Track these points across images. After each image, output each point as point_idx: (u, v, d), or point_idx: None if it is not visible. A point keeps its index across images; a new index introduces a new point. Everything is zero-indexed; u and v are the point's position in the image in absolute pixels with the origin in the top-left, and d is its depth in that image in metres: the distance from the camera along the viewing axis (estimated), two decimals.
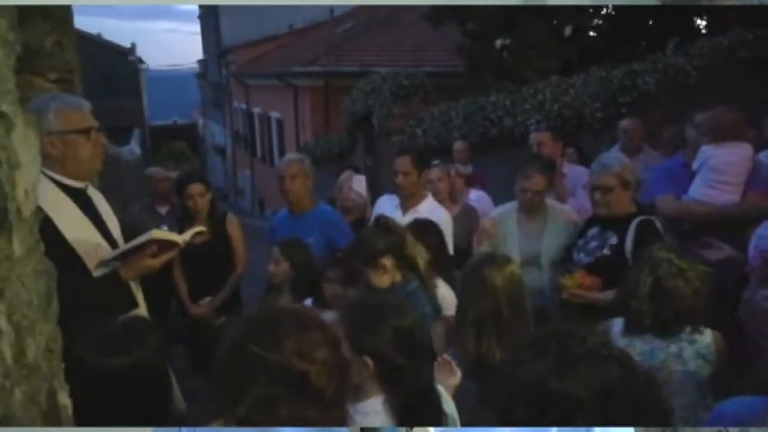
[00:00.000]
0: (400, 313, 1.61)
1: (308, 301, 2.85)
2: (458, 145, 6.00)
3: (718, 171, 3.03)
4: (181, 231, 3.39)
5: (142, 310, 2.06)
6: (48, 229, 1.58)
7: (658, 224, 2.64)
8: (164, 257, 1.99)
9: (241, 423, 1.07)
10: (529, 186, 2.98)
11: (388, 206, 3.38)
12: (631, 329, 2.05)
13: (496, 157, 6.67)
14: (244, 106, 19.64)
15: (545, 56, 8.77)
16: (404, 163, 3.25)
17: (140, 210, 4.93)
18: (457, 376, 1.83)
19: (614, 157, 2.79)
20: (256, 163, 19.18)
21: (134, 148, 12.49)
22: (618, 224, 2.68)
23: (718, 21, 7.02)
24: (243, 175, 20.91)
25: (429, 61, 12.47)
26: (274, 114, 16.72)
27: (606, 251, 2.66)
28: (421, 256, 2.41)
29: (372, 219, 3.23)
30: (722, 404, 1.53)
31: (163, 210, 4.71)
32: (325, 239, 3.32)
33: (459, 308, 2.10)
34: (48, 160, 1.85)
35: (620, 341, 1.99)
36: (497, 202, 3.51)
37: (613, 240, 2.66)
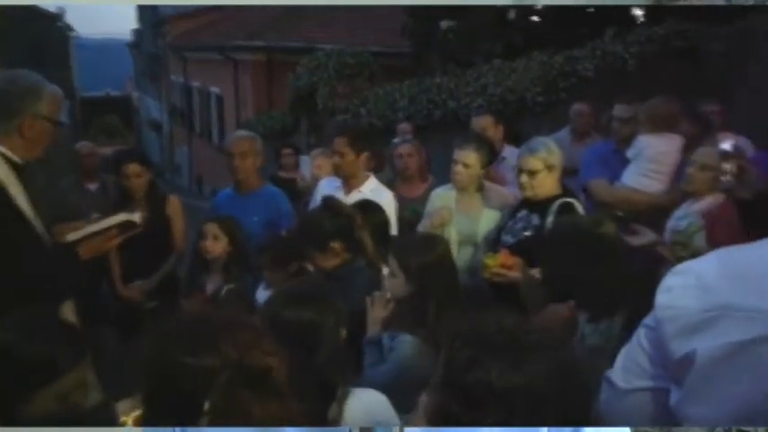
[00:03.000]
0: (307, 306, 1.56)
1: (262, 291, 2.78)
2: (402, 126, 6.00)
3: (654, 161, 3.15)
4: (115, 211, 3.26)
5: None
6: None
7: (579, 206, 2.70)
8: (118, 239, 2.06)
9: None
10: (459, 158, 3.00)
11: (330, 188, 3.33)
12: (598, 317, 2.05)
13: (440, 139, 6.71)
14: (181, 80, 18.90)
15: (489, 40, 8.84)
16: (339, 143, 3.21)
17: (69, 187, 4.67)
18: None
19: (540, 141, 2.83)
20: (195, 139, 18.56)
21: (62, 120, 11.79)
22: (543, 206, 2.75)
23: (655, 11, 7.26)
24: (180, 151, 20.22)
25: (375, 41, 12.35)
26: (214, 89, 16.18)
27: (529, 232, 2.73)
28: (367, 237, 2.40)
29: (318, 200, 3.20)
30: None
31: (92, 187, 4.48)
32: (269, 220, 3.26)
33: (402, 293, 2.09)
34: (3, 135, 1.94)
35: (586, 328, 2.01)
36: (440, 184, 3.52)
37: (536, 222, 2.73)
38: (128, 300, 3.45)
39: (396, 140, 4.08)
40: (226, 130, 14.50)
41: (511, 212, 2.94)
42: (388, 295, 2.13)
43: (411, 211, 3.45)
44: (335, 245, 2.31)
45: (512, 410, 0.94)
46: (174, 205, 3.63)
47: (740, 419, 0.76)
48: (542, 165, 2.73)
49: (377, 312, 2.11)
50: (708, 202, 2.60)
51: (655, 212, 3.12)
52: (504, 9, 8.91)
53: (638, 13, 9.90)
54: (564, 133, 4.74)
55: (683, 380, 0.81)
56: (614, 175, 3.29)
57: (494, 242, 2.94)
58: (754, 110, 5.02)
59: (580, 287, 1.92)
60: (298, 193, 4.37)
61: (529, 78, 6.35)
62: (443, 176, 3.75)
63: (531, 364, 0.95)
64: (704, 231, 2.52)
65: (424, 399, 1.61)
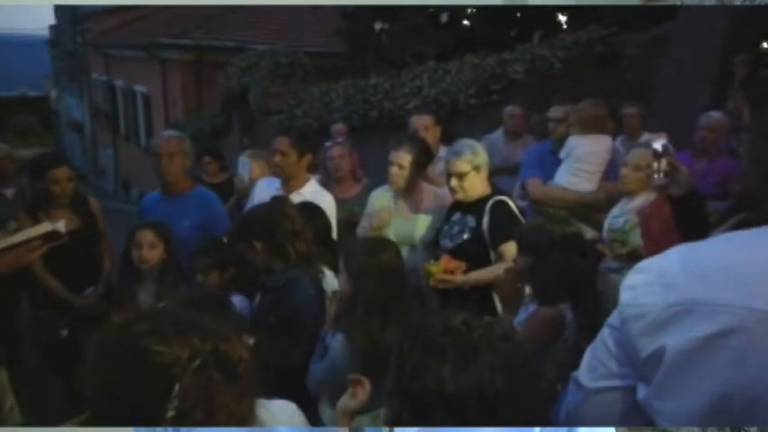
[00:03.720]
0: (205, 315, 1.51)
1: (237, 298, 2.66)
2: (336, 127, 5.97)
3: (582, 161, 3.28)
4: (35, 218, 3.04)
5: None
6: None
7: (512, 204, 2.77)
8: (41, 251, 1.89)
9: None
10: (395, 159, 3.01)
11: (269, 189, 3.25)
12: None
13: (376, 140, 6.71)
14: (104, 78, 18.02)
15: (422, 42, 8.94)
16: (282, 143, 3.14)
17: None
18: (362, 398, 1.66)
19: (465, 143, 2.87)
20: (120, 140, 17.75)
21: None
22: (475, 207, 2.78)
23: (579, 17, 7.57)
24: (104, 153, 19.27)
25: (308, 41, 12.23)
26: (140, 88, 15.53)
27: (466, 235, 2.76)
28: (306, 240, 2.36)
29: (255, 202, 3.12)
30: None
31: (8, 192, 4.18)
32: (201, 224, 3.13)
33: (345, 293, 2.07)
34: None
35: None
36: (376, 185, 3.52)
37: (472, 223, 2.76)
38: (87, 309, 3.21)
39: (327, 144, 4.04)
40: (154, 131, 13.95)
41: (445, 216, 2.96)
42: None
43: (348, 211, 3.42)
44: (258, 245, 2.29)
45: (464, 413, 0.94)
46: (94, 204, 3.46)
47: (707, 412, 0.77)
48: (470, 166, 2.76)
49: (330, 310, 2.12)
50: (641, 200, 2.73)
51: (585, 210, 3.26)
52: (437, 11, 9.04)
53: (563, 18, 10.33)
54: (498, 134, 4.86)
55: (652, 376, 0.82)
56: (549, 175, 3.40)
57: (432, 246, 2.95)
58: (669, 111, 5.33)
59: (568, 287, 1.98)
60: (229, 196, 4.26)
61: (462, 80, 6.46)
62: (381, 177, 3.76)
63: (479, 364, 0.96)
64: (639, 228, 2.64)
65: (343, 401, 1.61)
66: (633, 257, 2.68)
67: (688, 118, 5.29)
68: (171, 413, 0.93)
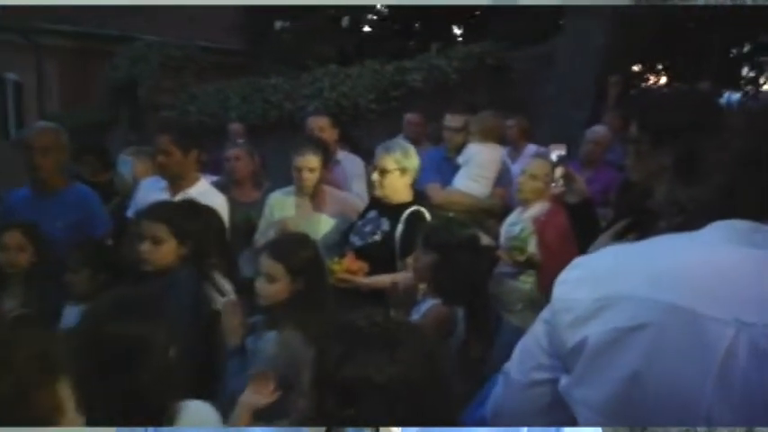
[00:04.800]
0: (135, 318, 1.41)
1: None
2: (233, 127, 5.77)
3: (482, 166, 3.39)
4: None
5: None
6: None
7: (427, 215, 2.79)
8: None
9: None
10: (302, 164, 2.96)
11: (153, 189, 3.03)
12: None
13: (276, 141, 6.55)
14: None
15: (323, 44, 8.90)
16: (163, 141, 2.93)
17: None
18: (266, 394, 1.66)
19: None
20: None
21: None
22: (393, 211, 2.77)
23: (475, 30, 7.88)
24: None
25: (202, 35, 11.72)
26: (10, 75, 14.11)
27: (377, 237, 2.75)
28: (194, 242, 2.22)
29: (139, 202, 2.90)
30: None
31: None
32: (77, 224, 2.85)
33: (286, 290, 1.99)
34: None
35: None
36: (276, 187, 3.40)
37: (386, 227, 2.75)
38: None
39: (227, 145, 3.88)
40: (26, 123, 12.72)
41: (362, 211, 2.93)
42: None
43: (243, 216, 3.27)
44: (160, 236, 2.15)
45: (391, 403, 0.96)
46: None
47: (613, 403, 0.80)
48: (395, 165, 2.75)
49: (233, 320, 1.99)
50: (536, 209, 2.86)
51: (481, 215, 3.37)
52: (338, 14, 9.03)
53: (458, 31, 10.76)
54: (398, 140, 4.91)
55: (574, 366, 0.84)
56: (446, 180, 3.47)
57: (340, 244, 2.91)
58: (555, 124, 5.67)
59: (467, 288, 2.03)
60: (112, 196, 3.93)
61: (362, 85, 6.50)
62: (280, 180, 3.65)
63: (405, 354, 0.99)
64: (535, 236, 2.75)
65: (246, 396, 1.56)
66: (530, 265, 2.80)
67: (571, 131, 5.70)
68: None
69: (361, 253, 2.73)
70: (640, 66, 8.55)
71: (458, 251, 2.04)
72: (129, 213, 3.12)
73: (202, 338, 2.08)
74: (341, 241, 2.96)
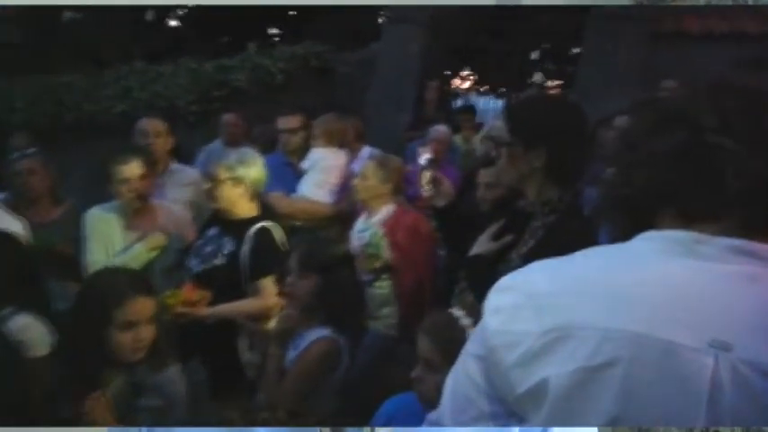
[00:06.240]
0: None
1: None
2: (19, 134, 4.92)
3: (327, 172, 3.25)
4: None
5: None
6: None
7: (278, 232, 2.55)
8: None
9: None
10: (125, 175, 2.60)
11: None
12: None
13: (75, 148, 5.72)
14: None
15: (125, 38, 8.04)
16: None
17: None
18: None
19: (241, 150, 2.64)
20: None
21: None
22: (237, 229, 2.49)
23: (297, 31, 7.76)
24: None
25: None
26: None
27: (220, 260, 2.45)
28: None
29: None
30: (385, 404, 1.55)
31: None
32: None
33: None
34: None
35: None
36: (84, 205, 2.89)
37: (230, 247, 2.47)
38: None
39: (15, 155, 3.16)
40: None
41: (201, 228, 2.63)
42: None
43: (40, 240, 2.70)
44: None
45: None
46: None
47: None
48: (226, 174, 2.48)
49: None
50: (383, 212, 2.78)
51: (328, 222, 3.23)
52: (141, 9, 8.23)
53: (275, 31, 10.55)
54: (216, 144, 4.59)
55: (531, 413, 0.72)
56: (290, 188, 3.27)
57: (175, 268, 2.56)
58: (380, 126, 5.75)
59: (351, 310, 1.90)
60: None
61: (178, 84, 5.98)
62: (85, 194, 3.11)
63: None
64: (386, 240, 2.68)
65: None
66: (386, 270, 2.73)
67: (396, 134, 5.86)
68: None
69: (201, 279, 2.41)
70: (450, 71, 9.18)
71: (338, 271, 1.88)
72: None
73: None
74: (178, 264, 2.62)
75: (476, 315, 1.39)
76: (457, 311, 1.46)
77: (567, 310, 0.70)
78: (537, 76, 9.53)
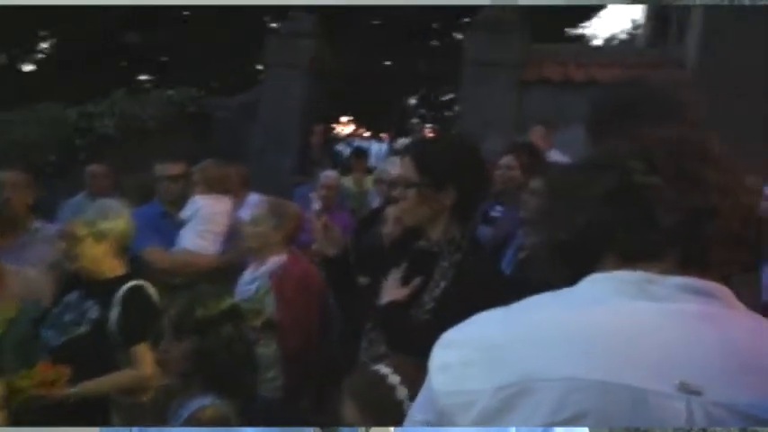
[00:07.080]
0: None
1: None
2: None
3: (210, 221, 3.05)
4: None
5: None
6: None
7: (151, 291, 2.31)
8: None
9: None
10: None
11: None
12: None
13: None
14: None
15: None
16: None
17: None
18: None
19: (104, 202, 2.41)
20: None
21: None
22: (102, 290, 2.21)
23: (169, 76, 7.48)
24: None
25: None
26: None
27: (84, 328, 2.16)
28: None
29: None
30: None
31: None
32: None
33: None
34: None
35: None
36: None
37: (94, 313, 2.18)
38: None
39: None
40: None
41: (57, 296, 2.32)
42: None
43: None
44: None
45: None
46: None
47: None
48: (86, 230, 2.24)
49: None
50: (272, 263, 2.58)
51: (213, 274, 2.98)
52: None
53: (146, 77, 10.11)
54: (81, 197, 4.22)
55: None
56: (168, 241, 3.00)
57: (29, 342, 2.20)
58: (264, 173, 5.56)
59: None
60: None
61: (37, 133, 5.43)
62: None
63: None
64: (272, 294, 2.49)
65: None
66: (269, 328, 2.50)
67: (281, 179, 5.70)
68: None
69: (62, 353, 2.10)
70: (332, 117, 9.27)
71: (219, 330, 1.67)
72: None
73: None
74: (33, 337, 2.25)
75: (403, 372, 1.29)
76: (383, 368, 1.33)
77: (523, 361, 0.64)
78: (416, 120, 9.90)
